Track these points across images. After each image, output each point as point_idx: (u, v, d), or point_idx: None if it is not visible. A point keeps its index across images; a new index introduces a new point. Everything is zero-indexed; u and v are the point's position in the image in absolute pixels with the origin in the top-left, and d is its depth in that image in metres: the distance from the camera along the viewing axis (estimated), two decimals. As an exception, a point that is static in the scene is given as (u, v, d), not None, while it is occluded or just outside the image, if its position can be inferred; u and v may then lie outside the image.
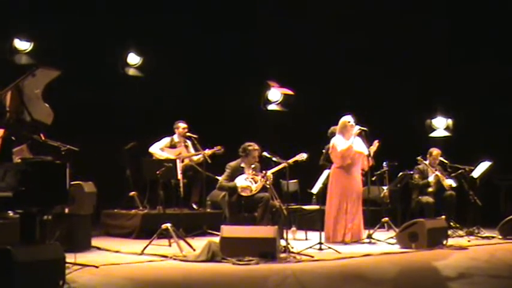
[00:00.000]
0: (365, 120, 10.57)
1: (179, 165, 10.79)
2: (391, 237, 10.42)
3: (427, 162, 11.83)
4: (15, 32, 11.92)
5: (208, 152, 11.45)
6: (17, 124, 7.45)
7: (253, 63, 13.78)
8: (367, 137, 10.39)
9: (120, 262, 8.20)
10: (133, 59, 13.20)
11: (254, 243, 8.34)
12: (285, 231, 9.00)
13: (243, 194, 9.80)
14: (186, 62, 13.25)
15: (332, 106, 12.53)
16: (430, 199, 11.55)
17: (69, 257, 7.10)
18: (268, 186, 9.69)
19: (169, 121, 11.94)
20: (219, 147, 11.51)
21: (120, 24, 12.30)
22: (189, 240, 9.52)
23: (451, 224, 11.54)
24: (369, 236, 10.29)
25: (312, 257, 8.68)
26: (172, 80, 13.09)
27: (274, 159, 9.76)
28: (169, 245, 9.34)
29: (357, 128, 10.37)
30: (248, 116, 13.90)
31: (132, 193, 11.60)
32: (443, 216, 11.13)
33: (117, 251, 9.14)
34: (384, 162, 12.08)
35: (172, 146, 11.71)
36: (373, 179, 11.79)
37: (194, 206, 11.63)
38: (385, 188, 12.23)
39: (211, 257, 8.28)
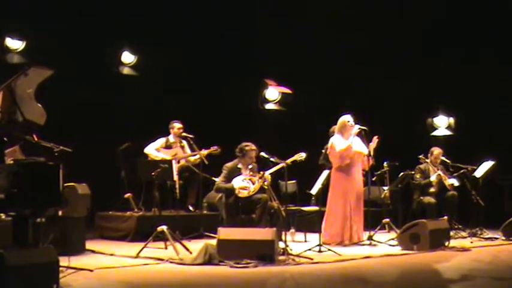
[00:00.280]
0: (365, 119, 10.58)
1: (175, 166, 10.83)
2: (392, 239, 10.44)
3: (428, 161, 11.84)
4: (7, 31, 11.91)
5: (204, 152, 11.46)
6: (9, 125, 7.44)
7: (252, 63, 13.78)
8: (367, 137, 10.41)
9: (115, 265, 8.20)
10: (127, 57, 13.18)
11: (252, 245, 8.34)
12: (283, 233, 9.00)
13: (240, 195, 9.81)
14: (182, 61, 13.25)
15: (331, 105, 12.54)
16: (431, 199, 11.56)
17: (63, 261, 7.10)
18: (266, 187, 9.70)
19: (165, 121, 11.94)
20: (215, 147, 11.51)
21: (117, 23, 12.30)
22: (186, 242, 9.52)
23: (453, 224, 11.57)
24: (370, 238, 10.31)
25: (312, 259, 8.69)
26: (168, 79, 13.10)
27: (272, 159, 9.76)
28: (165, 248, 9.34)
29: (356, 128, 10.38)
30: (245, 116, 13.90)
31: (127, 195, 11.60)
32: (445, 217, 11.15)
33: (111, 254, 9.14)
34: (385, 162, 12.11)
35: (168, 146, 11.71)
36: (374, 179, 11.82)
37: (190, 208, 11.64)
38: (385, 188, 12.25)
39: (208, 260, 8.29)
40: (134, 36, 12.84)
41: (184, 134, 11.77)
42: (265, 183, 9.68)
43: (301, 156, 10.14)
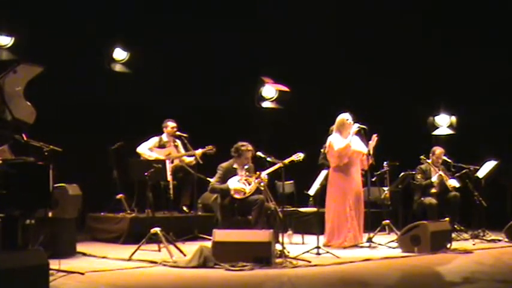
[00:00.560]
0: (364, 118, 10.59)
1: (169, 166, 10.82)
2: (392, 241, 10.46)
3: (429, 161, 11.85)
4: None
5: (199, 152, 11.46)
6: (-3, 123, 7.45)
7: (248, 60, 13.78)
8: (366, 136, 10.41)
9: (107, 268, 8.19)
10: (119, 54, 13.17)
11: (248, 247, 8.34)
12: (280, 235, 9.02)
13: (236, 196, 9.80)
14: (176, 58, 13.25)
15: (330, 103, 12.54)
16: (433, 200, 11.58)
17: (53, 264, 7.10)
18: (262, 188, 9.70)
19: (158, 120, 11.93)
20: (210, 147, 11.51)
21: (109, 18, 12.29)
22: (180, 245, 9.54)
23: (455, 226, 11.58)
24: (369, 240, 10.32)
25: (309, 262, 8.69)
26: (161, 77, 13.09)
27: (268, 159, 9.76)
28: (159, 250, 9.35)
29: (355, 126, 10.39)
30: (241, 114, 13.90)
31: (119, 196, 11.59)
32: (447, 219, 11.16)
33: (103, 257, 9.13)
34: (385, 162, 12.12)
35: (161, 145, 11.70)
36: (374, 179, 11.81)
37: (185, 209, 11.65)
38: (385, 189, 12.25)
39: (203, 263, 8.29)
40: (127, 32, 12.82)
41: (178, 133, 11.77)
42: (262, 184, 9.68)
43: (298, 156, 10.13)
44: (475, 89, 13.68)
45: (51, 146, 7.77)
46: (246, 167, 9.92)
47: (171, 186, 10.76)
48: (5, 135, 7.62)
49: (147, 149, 11.58)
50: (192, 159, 11.65)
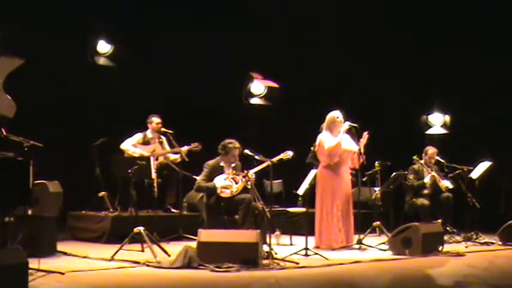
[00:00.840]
0: (355, 115, 10.59)
1: (153, 164, 10.78)
2: (383, 243, 10.47)
3: (422, 161, 11.88)
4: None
5: (184, 149, 11.46)
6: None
7: (236, 55, 13.77)
8: (358, 134, 10.42)
9: (88, 268, 8.18)
10: (103, 47, 13.13)
11: (234, 248, 8.34)
12: (268, 235, 9.01)
13: (222, 195, 9.79)
14: (162, 52, 13.23)
15: (320, 101, 12.55)
16: (425, 201, 11.61)
17: (33, 263, 7.07)
18: (249, 186, 9.70)
19: (143, 115, 11.92)
20: (196, 144, 11.51)
21: (92, 9, 12.26)
22: (164, 245, 9.52)
23: (448, 228, 11.60)
24: (359, 242, 10.33)
25: (297, 263, 8.70)
26: (147, 71, 13.06)
27: (256, 157, 9.76)
28: (142, 250, 9.34)
29: (346, 124, 10.40)
30: (228, 111, 13.89)
31: (101, 193, 11.58)
32: (439, 220, 11.19)
33: (85, 257, 9.11)
34: (376, 162, 12.14)
35: (146, 142, 11.69)
36: (364, 179, 11.85)
37: (170, 208, 11.63)
38: (377, 189, 12.30)
39: (188, 264, 8.28)
40: (111, 23, 12.79)
41: (163, 129, 11.76)
42: (249, 182, 9.68)
43: (287, 154, 10.13)
44: (469, 88, 13.73)
45: (32, 141, 7.77)
46: (233, 165, 9.92)
47: (155, 184, 10.72)
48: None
49: (131, 146, 11.57)
50: (177, 156, 11.65)
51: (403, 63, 13.95)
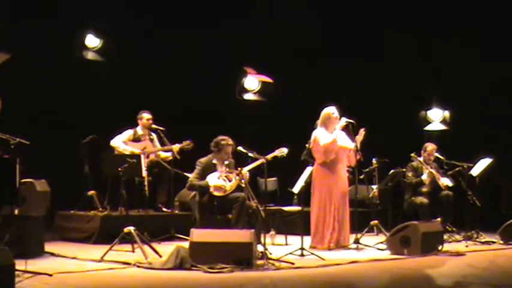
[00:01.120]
0: (351, 112, 10.59)
1: (144, 161, 10.79)
2: (381, 242, 10.50)
3: (421, 158, 11.90)
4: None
5: (176, 147, 11.45)
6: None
7: (229, 49, 13.76)
8: (354, 131, 10.42)
9: (77, 270, 8.17)
10: (92, 41, 13.10)
11: (228, 248, 8.35)
12: (262, 235, 9.02)
13: (215, 193, 9.79)
14: (153, 46, 13.21)
15: (316, 96, 12.56)
16: (424, 200, 11.63)
17: (19, 264, 7.08)
18: (243, 185, 9.70)
19: (133, 111, 11.90)
20: (187, 142, 11.51)
21: (80, 2, 12.24)
22: (155, 245, 9.52)
23: (447, 227, 11.63)
24: (356, 241, 10.34)
25: (293, 264, 8.71)
26: (137, 66, 13.04)
27: (250, 154, 9.76)
28: (133, 251, 9.34)
29: (343, 120, 10.40)
30: (221, 107, 13.88)
31: (90, 192, 11.56)
32: (438, 219, 11.23)
33: (73, 258, 9.11)
34: (374, 159, 12.15)
35: (136, 139, 11.67)
36: (361, 177, 11.87)
37: (161, 207, 11.63)
38: (374, 187, 12.31)
39: (180, 264, 8.29)
40: (100, 17, 12.76)
41: (154, 125, 11.75)
42: (243, 180, 9.68)
43: (282, 151, 10.14)
44: (469, 83, 13.75)
45: (18, 139, 7.75)
46: (226, 162, 9.92)
47: (146, 182, 10.74)
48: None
49: (121, 143, 11.55)
50: (168, 154, 11.64)
51: (402, 60, 13.97)
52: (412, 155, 11.79)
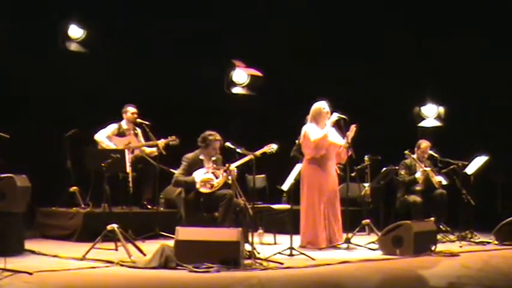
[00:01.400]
0: (342, 107, 10.59)
1: (128, 157, 10.76)
2: (373, 242, 10.52)
3: (414, 156, 11.91)
4: None
5: (162, 142, 11.43)
6: None
7: (216, 40, 13.75)
8: (346, 126, 10.42)
9: (58, 268, 8.16)
10: (75, 31, 13.05)
11: (214, 247, 8.35)
12: (250, 234, 9.03)
13: (202, 190, 9.78)
14: (138, 37, 13.18)
15: (306, 91, 12.56)
16: (417, 198, 11.65)
17: (-2, 262, 7.08)
18: (231, 181, 9.70)
19: (118, 105, 11.88)
20: (173, 137, 11.49)
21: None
22: (139, 243, 9.52)
23: (441, 227, 11.66)
24: (347, 241, 10.35)
25: (282, 264, 8.72)
26: (122, 58, 13.00)
27: (238, 150, 9.76)
28: (116, 249, 9.33)
29: (334, 116, 10.40)
30: (209, 101, 13.87)
31: (72, 188, 11.54)
32: (432, 218, 11.25)
33: (54, 256, 9.10)
34: (366, 156, 12.16)
35: (120, 133, 11.65)
36: (353, 174, 11.84)
37: (145, 204, 11.62)
38: (366, 185, 12.32)
39: (164, 264, 8.28)
40: (84, 7, 12.72)
41: (139, 120, 11.73)
42: (230, 177, 9.68)
43: (271, 147, 10.15)
44: (465, 78, 13.77)
45: (-2, 132, 7.72)
46: (213, 158, 9.91)
47: (130, 178, 10.71)
48: None
49: (105, 137, 11.52)
50: (153, 149, 11.62)
51: (401, 60, 14.01)
52: (406, 152, 11.82)
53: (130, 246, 9.10)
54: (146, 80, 13.09)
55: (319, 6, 13.97)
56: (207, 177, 9.80)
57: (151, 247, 9.02)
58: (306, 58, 14.05)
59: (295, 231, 10.35)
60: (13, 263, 7.89)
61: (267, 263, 8.65)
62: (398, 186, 12.02)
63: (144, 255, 8.92)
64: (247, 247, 8.81)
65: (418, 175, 11.77)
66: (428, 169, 11.82)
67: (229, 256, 8.30)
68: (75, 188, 11.53)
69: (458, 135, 13.79)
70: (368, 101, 13.75)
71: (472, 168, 12.09)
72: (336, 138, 10.57)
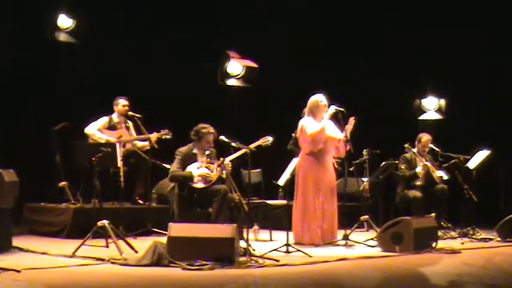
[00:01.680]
0: (339, 99, 10.59)
1: (119, 150, 10.77)
2: (371, 239, 10.52)
3: (415, 150, 11.92)
4: None
5: (154, 136, 11.43)
6: None
7: (211, 29, 13.74)
8: (344, 120, 10.42)
9: (47, 266, 8.14)
10: (64, 21, 13.02)
11: (208, 244, 8.35)
12: (245, 230, 9.03)
13: (198, 185, 9.76)
14: (129, 27, 13.16)
15: (303, 82, 12.57)
16: (417, 193, 11.66)
17: (-15, 260, 7.07)
18: (225, 176, 9.70)
19: (108, 97, 11.87)
20: (166, 131, 11.49)
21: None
22: (131, 240, 9.52)
23: (442, 223, 11.68)
24: (345, 237, 10.36)
25: (278, 261, 8.73)
26: (113, 49, 12.98)
27: (233, 144, 9.76)
28: (107, 246, 9.33)
29: (332, 109, 10.40)
30: (202, 93, 13.86)
31: (62, 183, 11.54)
32: (432, 214, 11.25)
33: (43, 253, 9.09)
34: (364, 150, 12.17)
35: (111, 127, 11.65)
36: (351, 169, 11.87)
37: (137, 200, 11.62)
38: (364, 180, 12.33)
39: (157, 261, 8.28)
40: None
41: (130, 112, 11.73)
42: (225, 171, 9.68)
43: (267, 140, 10.16)
44: (466, 69, 13.79)
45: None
46: (207, 152, 9.91)
47: (121, 173, 10.73)
48: None
49: (96, 130, 11.51)
50: (145, 143, 11.62)
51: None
52: (406, 146, 11.82)
53: (121, 243, 9.11)
54: (138, 72, 13.07)
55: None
56: (204, 172, 9.80)
57: (143, 244, 9.03)
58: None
59: (292, 227, 10.36)
60: (0, 260, 7.89)
61: (263, 260, 8.65)
62: (398, 181, 12.03)
63: (136, 252, 8.92)
64: (242, 244, 8.81)
65: (419, 170, 11.78)
66: (428, 163, 11.82)
67: (223, 253, 8.29)
68: (64, 183, 11.53)
69: (460, 129, 13.80)
70: (368, 100, 13.73)
71: (474, 162, 12.09)
72: (334, 132, 10.57)
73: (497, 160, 12.52)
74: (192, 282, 7.58)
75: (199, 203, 9.83)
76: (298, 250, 9.40)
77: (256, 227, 11.13)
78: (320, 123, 10.45)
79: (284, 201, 10.89)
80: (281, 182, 10.51)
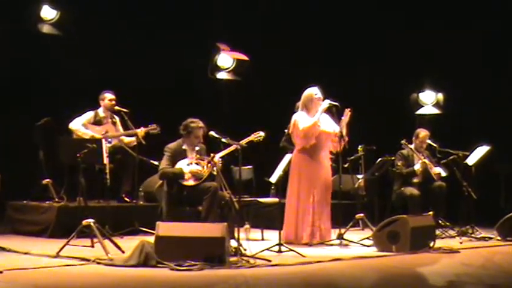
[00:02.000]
0: (335, 93, 10.59)
1: (105, 147, 10.74)
2: (367, 238, 10.54)
3: (412, 146, 11.93)
4: None
5: (141, 131, 11.41)
6: None
7: (200, 21, 13.74)
8: (339, 114, 10.42)
9: (30, 266, 8.13)
10: (47, 12, 12.99)
11: (198, 244, 8.34)
12: (236, 229, 9.03)
13: (189, 182, 9.75)
14: (115, 17, 13.15)
15: (296, 75, 12.57)
16: (414, 191, 11.68)
17: (-35, 260, 7.06)
18: (215, 173, 9.69)
19: (94, 91, 11.85)
20: (154, 126, 11.47)
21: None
22: (117, 239, 9.51)
23: (440, 221, 11.69)
24: (340, 236, 10.37)
25: (270, 261, 8.73)
26: (98, 41, 12.98)
27: (223, 139, 9.75)
28: (92, 246, 9.31)
29: (326, 103, 10.40)
30: (191, 86, 13.86)
31: (45, 181, 11.52)
32: (430, 212, 11.26)
33: (26, 253, 9.08)
34: (359, 146, 12.18)
35: (97, 122, 11.62)
36: (346, 166, 11.88)
37: (124, 198, 11.61)
38: (360, 177, 12.34)
39: (144, 261, 8.27)
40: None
41: (117, 107, 11.70)
42: (215, 168, 9.68)
43: (258, 135, 10.15)
44: (465, 63, 13.81)
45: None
46: (196, 148, 9.90)
47: (107, 170, 10.69)
48: None
49: (81, 125, 11.48)
50: (133, 139, 11.60)
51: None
52: (403, 142, 11.82)
53: (107, 242, 9.11)
54: (125, 65, 13.05)
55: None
56: (195, 168, 9.79)
57: (130, 243, 9.03)
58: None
59: (284, 226, 10.37)
60: (-19, 260, 7.88)
61: (254, 260, 8.65)
62: (395, 178, 12.03)
63: (123, 252, 8.92)
64: (233, 243, 8.82)
65: (418, 167, 11.78)
66: (427, 160, 11.82)
67: (213, 253, 8.29)
68: (48, 180, 11.51)
69: (459, 124, 13.82)
70: (362, 87, 13.76)
71: (473, 158, 12.12)
72: (329, 127, 10.55)
73: (498, 156, 12.54)
74: (181, 283, 7.58)
75: (189, 201, 9.83)
76: (291, 250, 9.40)
77: (247, 225, 11.14)
78: (313, 117, 10.43)
79: (276, 199, 10.89)
80: (273, 179, 10.52)
